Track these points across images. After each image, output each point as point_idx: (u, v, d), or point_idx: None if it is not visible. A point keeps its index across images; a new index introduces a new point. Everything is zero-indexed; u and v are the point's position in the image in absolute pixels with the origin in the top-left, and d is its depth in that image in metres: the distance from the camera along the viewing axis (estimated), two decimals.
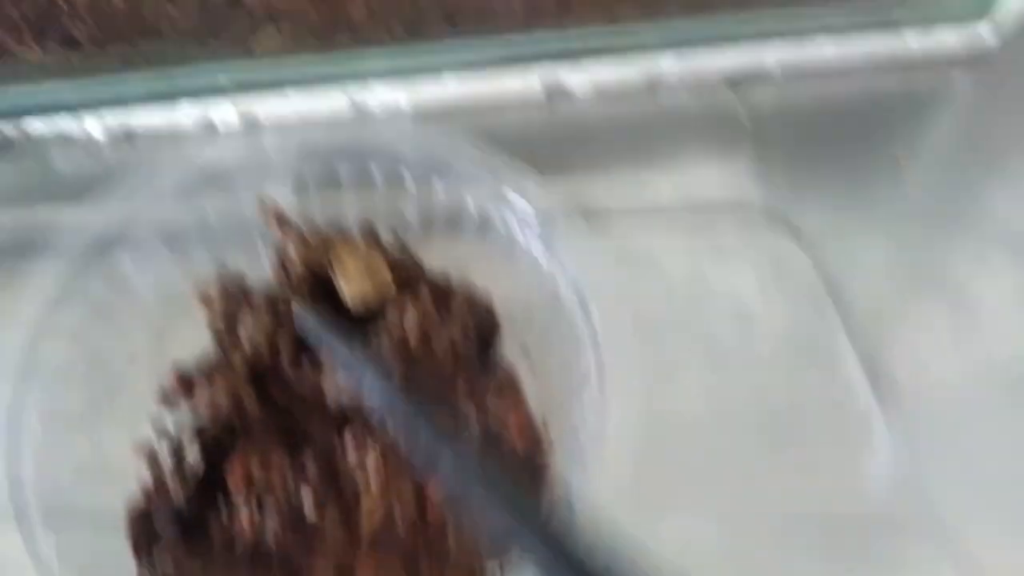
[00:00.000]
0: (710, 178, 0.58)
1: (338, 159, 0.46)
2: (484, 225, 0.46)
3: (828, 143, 0.60)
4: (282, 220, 0.44)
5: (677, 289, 0.52)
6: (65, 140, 0.56)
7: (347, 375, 0.34)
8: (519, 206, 0.44)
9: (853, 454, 0.46)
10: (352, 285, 0.44)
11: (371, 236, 0.47)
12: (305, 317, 0.41)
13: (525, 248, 0.44)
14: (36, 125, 0.56)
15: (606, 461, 0.36)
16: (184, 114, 0.56)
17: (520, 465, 0.42)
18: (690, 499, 0.44)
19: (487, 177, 0.44)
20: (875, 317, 0.51)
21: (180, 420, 0.42)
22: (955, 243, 0.56)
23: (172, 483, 0.40)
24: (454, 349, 0.42)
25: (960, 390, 0.49)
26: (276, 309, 0.44)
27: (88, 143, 0.56)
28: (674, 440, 0.43)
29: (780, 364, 0.49)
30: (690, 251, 0.54)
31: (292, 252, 0.44)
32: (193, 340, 0.46)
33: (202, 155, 0.44)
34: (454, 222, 0.48)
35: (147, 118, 0.56)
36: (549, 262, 0.43)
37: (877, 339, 0.50)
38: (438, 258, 0.48)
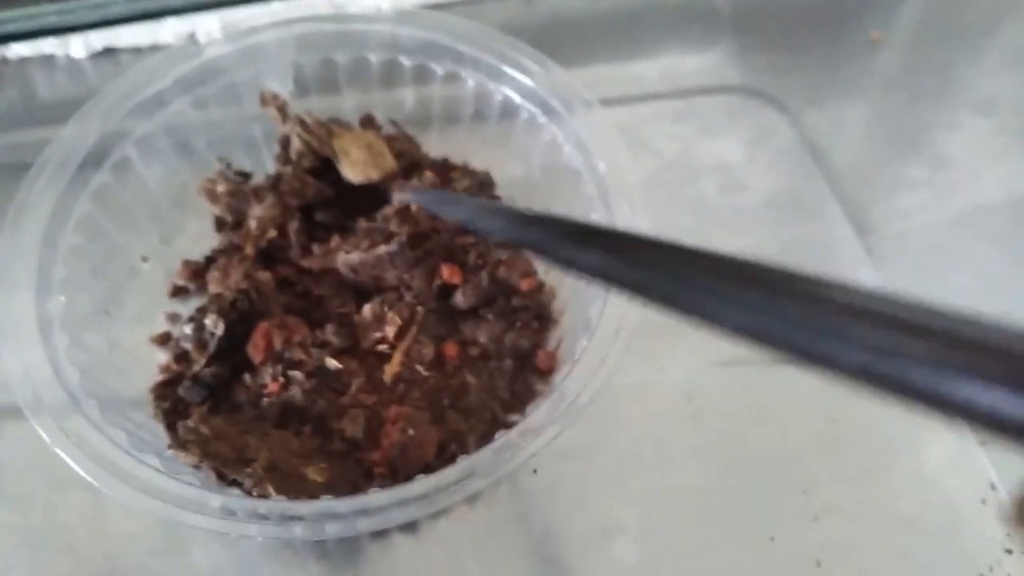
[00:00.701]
0: (693, 65, 0.59)
1: (336, 49, 0.46)
2: (482, 108, 0.47)
3: (805, 26, 0.62)
4: (284, 111, 0.45)
5: (669, 166, 0.53)
6: (48, 62, 0.56)
7: (463, 218, 0.33)
8: (521, 82, 0.44)
9: None
10: (356, 169, 0.44)
11: (372, 125, 0.48)
12: (416, 190, 0.41)
13: (528, 123, 0.45)
14: (19, 49, 0.55)
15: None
16: (168, 30, 0.56)
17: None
18: (686, 347, 0.46)
19: (488, 56, 0.44)
20: (859, 179, 0.54)
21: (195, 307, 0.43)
22: (930, 110, 0.58)
23: (194, 352, 0.40)
24: None
25: (940, 237, 0.51)
26: (282, 198, 0.45)
27: (71, 65, 0.56)
28: None
29: (769, 222, 0.51)
30: (679, 133, 0.55)
31: (295, 141, 0.45)
32: (201, 238, 0.47)
33: (204, 52, 0.44)
34: (452, 109, 0.48)
35: (131, 36, 0.56)
36: (554, 132, 0.44)
37: (861, 197, 0.53)
38: (436, 148, 0.50)
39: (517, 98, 0.45)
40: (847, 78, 0.60)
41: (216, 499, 0.31)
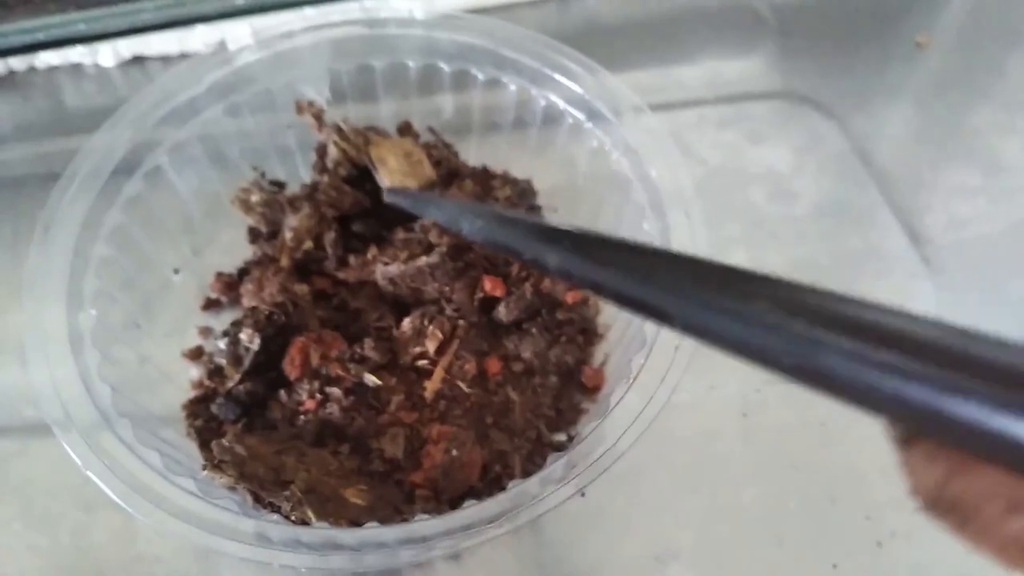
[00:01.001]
0: (737, 70, 0.57)
1: (372, 55, 0.45)
2: (523, 114, 0.46)
3: (849, 30, 0.60)
4: (320, 118, 0.43)
5: (715, 173, 0.51)
6: (76, 71, 0.55)
7: (446, 221, 0.32)
8: (566, 86, 0.43)
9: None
10: (394, 178, 0.43)
11: (410, 133, 0.46)
12: (393, 191, 0.39)
13: (573, 129, 0.43)
14: (48, 57, 0.54)
15: None
16: (198, 37, 0.55)
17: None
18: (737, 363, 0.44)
19: (531, 60, 0.43)
20: (912, 186, 0.51)
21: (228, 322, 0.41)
22: (982, 113, 0.56)
23: (228, 367, 0.39)
24: None
25: (998, 246, 0.49)
26: (319, 208, 0.43)
27: (99, 74, 0.55)
28: None
29: (821, 232, 0.49)
30: (724, 140, 0.53)
31: (332, 149, 0.43)
32: (234, 250, 0.46)
33: (237, 58, 0.42)
34: (493, 116, 0.47)
35: (160, 44, 0.55)
36: (600, 138, 0.42)
37: (916, 205, 0.50)
38: (475, 157, 0.48)
39: (561, 103, 0.43)
40: (894, 82, 0.58)
41: (251, 525, 0.30)
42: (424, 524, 0.29)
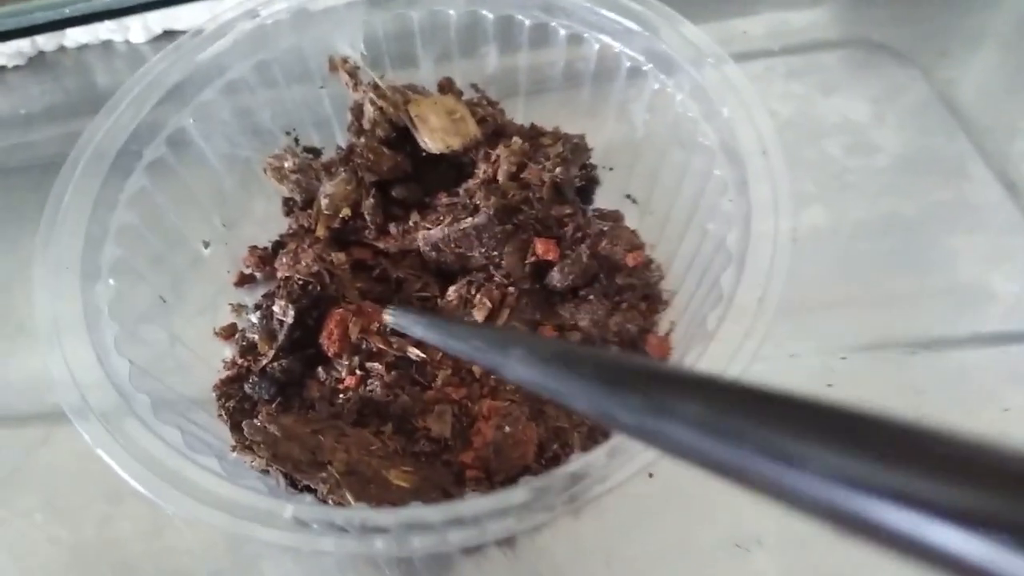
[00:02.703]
0: (803, 20, 0.53)
1: (410, 5, 0.41)
2: (574, 64, 0.42)
3: None
4: (355, 75, 0.40)
5: (785, 127, 0.47)
6: (107, 49, 0.53)
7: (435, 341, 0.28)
8: (624, 31, 0.38)
9: (999, 267, 0.41)
10: (436, 137, 0.39)
11: (452, 90, 0.43)
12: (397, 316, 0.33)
13: (632, 77, 0.39)
14: (77, 35, 0.52)
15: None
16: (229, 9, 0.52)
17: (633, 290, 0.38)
18: (819, 329, 0.39)
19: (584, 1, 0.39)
20: (1006, 133, 0.46)
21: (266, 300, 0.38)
22: None
23: (262, 343, 0.35)
24: (553, 182, 0.38)
25: None
26: (356, 173, 0.40)
27: (130, 51, 0.53)
28: (794, 258, 0.38)
29: (907, 184, 0.44)
30: (794, 91, 0.49)
31: (369, 108, 0.40)
32: (269, 223, 0.43)
33: (266, 12, 0.39)
34: (542, 69, 0.43)
35: (191, 17, 0.52)
36: (665, 88, 0.38)
37: (1010, 152, 0.45)
38: (522, 118, 0.44)
39: (617, 46, 0.39)
40: (977, 24, 0.52)
41: (286, 508, 0.26)
42: (475, 503, 0.26)
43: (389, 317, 0.32)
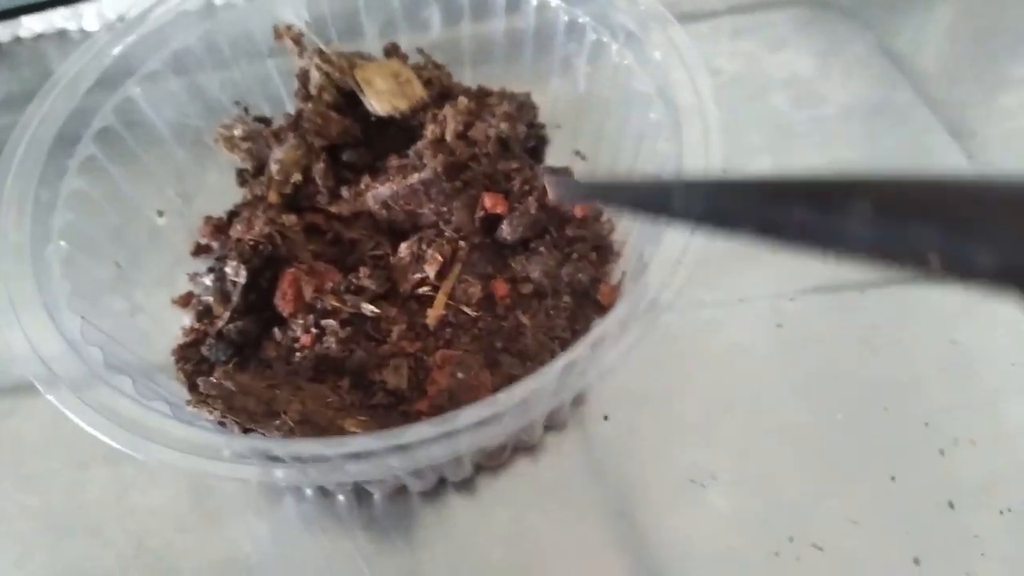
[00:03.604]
0: None
1: None
2: (515, 26, 0.42)
3: None
4: (300, 42, 0.41)
5: (732, 83, 0.48)
6: (62, 38, 0.53)
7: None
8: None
9: None
10: (382, 99, 0.40)
11: (397, 55, 0.43)
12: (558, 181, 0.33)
13: (570, 34, 0.40)
14: (32, 24, 0.53)
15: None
16: None
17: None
18: (767, 273, 0.40)
19: None
20: (949, 81, 0.47)
21: (218, 263, 0.39)
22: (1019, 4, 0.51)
23: (216, 305, 0.36)
24: (500, 139, 0.38)
25: None
26: (305, 138, 0.40)
27: (85, 38, 0.53)
28: None
29: (853, 133, 0.45)
30: (740, 49, 0.50)
31: (315, 73, 0.40)
32: (224, 195, 0.43)
33: None
34: (483, 33, 0.44)
35: (146, 2, 0.53)
36: (609, 49, 0.38)
37: (955, 100, 0.46)
38: (469, 80, 0.45)
39: (554, 2, 0.40)
40: None
41: (239, 443, 0.27)
42: (416, 429, 0.26)
43: (554, 187, 0.30)
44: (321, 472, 0.26)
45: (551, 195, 0.34)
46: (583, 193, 0.30)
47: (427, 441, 0.26)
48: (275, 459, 0.26)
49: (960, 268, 0.11)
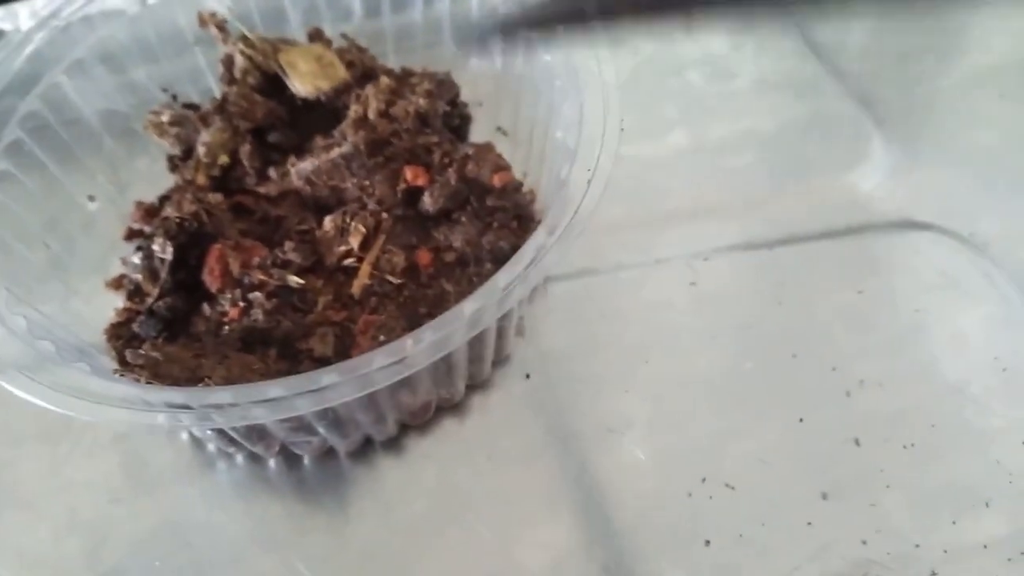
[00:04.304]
0: None
1: None
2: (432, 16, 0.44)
3: None
4: (223, 28, 0.42)
5: (648, 61, 0.50)
6: None
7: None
8: None
9: (851, 169, 0.44)
10: (305, 81, 0.41)
11: (321, 39, 0.45)
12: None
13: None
14: None
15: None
16: None
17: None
18: (680, 234, 0.42)
19: None
20: (856, 54, 0.50)
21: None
22: None
23: (145, 283, 0.37)
24: (419, 114, 0.40)
25: (955, 98, 0.47)
26: (231, 121, 0.42)
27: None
28: (659, 176, 0.41)
29: (765, 105, 0.47)
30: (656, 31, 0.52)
31: (239, 58, 0.42)
32: (156, 181, 0.44)
33: None
34: (404, 19, 0.45)
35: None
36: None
37: (862, 70, 0.49)
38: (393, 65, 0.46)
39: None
40: None
41: (157, 395, 0.28)
42: (325, 374, 0.27)
43: None
44: (228, 417, 0.27)
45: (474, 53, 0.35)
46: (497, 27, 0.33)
47: (337, 384, 0.27)
48: (188, 408, 0.28)
49: None
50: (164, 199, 0.43)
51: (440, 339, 0.29)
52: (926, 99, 0.47)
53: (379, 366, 0.28)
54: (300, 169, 0.39)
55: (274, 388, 0.27)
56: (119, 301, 0.40)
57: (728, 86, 0.48)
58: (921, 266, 0.41)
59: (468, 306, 0.29)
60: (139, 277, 0.38)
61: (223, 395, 0.28)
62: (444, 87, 0.43)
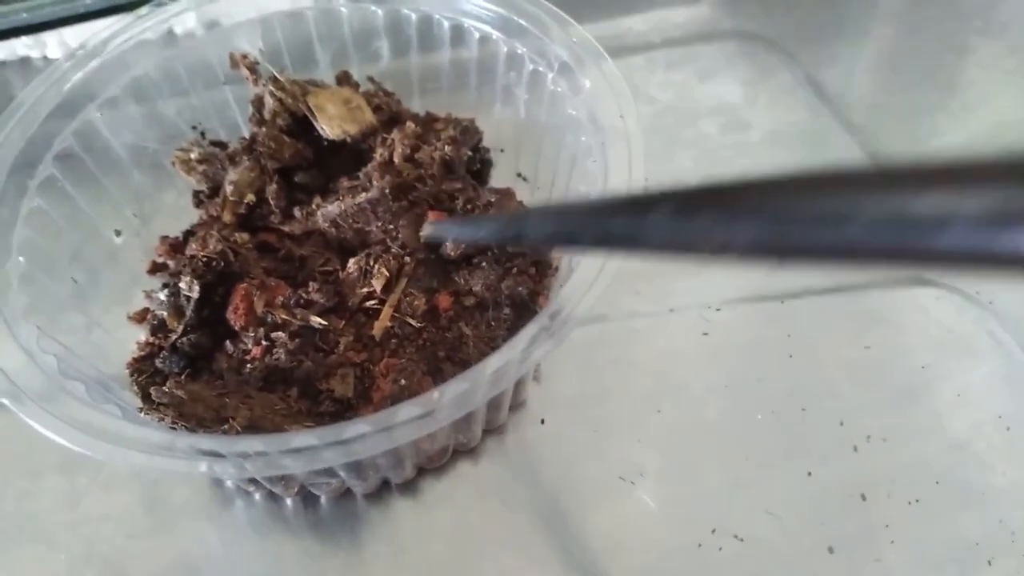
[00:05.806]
0: (684, 16, 0.57)
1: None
2: (460, 58, 0.45)
3: None
4: (254, 70, 0.43)
5: (666, 111, 0.51)
6: (25, 65, 0.55)
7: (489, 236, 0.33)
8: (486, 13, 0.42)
9: None
10: (333, 124, 0.42)
11: (348, 82, 0.46)
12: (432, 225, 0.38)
13: (511, 64, 0.43)
14: None
15: None
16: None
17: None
18: (694, 285, 0.43)
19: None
20: (867, 109, 0.51)
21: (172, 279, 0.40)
22: (936, 38, 0.55)
23: (170, 319, 0.38)
24: (444, 160, 0.41)
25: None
26: (259, 160, 0.43)
27: (47, 66, 0.55)
28: None
29: (777, 157, 0.48)
30: (673, 80, 0.53)
31: (268, 99, 0.43)
32: (181, 216, 0.45)
33: (168, 15, 0.42)
34: (430, 61, 0.46)
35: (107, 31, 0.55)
36: (547, 78, 0.41)
37: (872, 126, 0.50)
38: (418, 107, 0.47)
39: (495, 35, 0.42)
40: (845, 15, 0.57)
41: (184, 440, 0.28)
42: (355, 425, 0.28)
43: (428, 229, 0.38)
44: (258, 467, 0.28)
45: (425, 235, 0.38)
46: (454, 232, 0.36)
47: (364, 436, 0.28)
48: (218, 455, 0.28)
49: (727, 249, 0.14)
50: (189, 234, 0.44)
51: (465, 392, 0.29)
52: (935, 155, 0.48)
53: (405, 418, 0.29)
54: (327, 212, 0.40)
55: (304, 437, 0.28)
56: (141, 334, 0.41)
57: (742, 137, 0.49)
58: (928, 322, 0.42)
59: (493, 363, 0.30)
60: (164, 313, 0.39)
61: (253, 443, 0.28)
62: (468, 133, 0.44)
